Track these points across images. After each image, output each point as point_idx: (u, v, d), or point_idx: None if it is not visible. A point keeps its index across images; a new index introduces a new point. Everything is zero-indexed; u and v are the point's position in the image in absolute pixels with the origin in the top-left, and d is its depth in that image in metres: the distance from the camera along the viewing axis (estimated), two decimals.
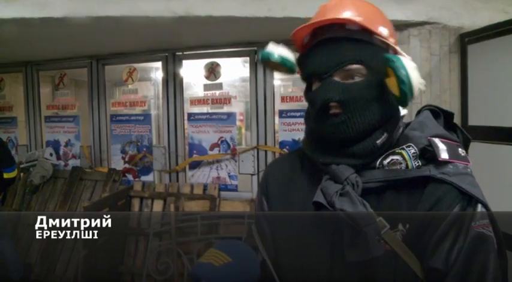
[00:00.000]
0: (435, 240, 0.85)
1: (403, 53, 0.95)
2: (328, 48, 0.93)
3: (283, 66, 1.03)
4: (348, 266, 0.90)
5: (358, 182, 0.90)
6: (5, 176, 3.89)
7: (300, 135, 3.67)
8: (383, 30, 0.94)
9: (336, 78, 0.92)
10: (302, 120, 3.76)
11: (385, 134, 0.93)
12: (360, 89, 0.91)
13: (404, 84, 0.85)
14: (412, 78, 0.85)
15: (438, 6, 2.66)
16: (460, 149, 0.93)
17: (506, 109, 2.30)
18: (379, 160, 0.93)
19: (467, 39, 2.63)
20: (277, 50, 1.03)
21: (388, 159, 0.92)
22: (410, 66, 0.86)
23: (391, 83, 0.88)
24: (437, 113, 1.02)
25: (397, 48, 0.95)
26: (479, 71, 2.56)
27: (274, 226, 1.08)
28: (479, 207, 0.86)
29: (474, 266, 0.83)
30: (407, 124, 1.00)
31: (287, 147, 3.70)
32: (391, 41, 0.94)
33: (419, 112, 1.03)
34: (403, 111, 0.99)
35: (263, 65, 1.08)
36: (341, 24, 0.93)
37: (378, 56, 0.91)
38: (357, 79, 0.92)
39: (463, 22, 2.66)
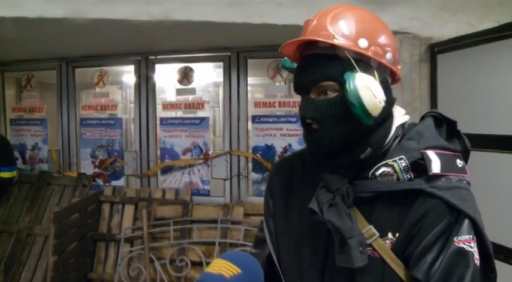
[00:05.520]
0: (419, 251, 0.88)
1: (386, 64, 0.95)
2: (306, 66, 0.96)
3: None
4: (339, 270, 0.93)
5: (349, 192, 0.93)
6: (1, 175, 3.81)
7: (272, 141, 3.71)
8: (362, 42, 0.92)
9: (312, 95, 0.95)
10: (275, 125, 3.80)
11: (369, 149, 0.94)
12: (331, 105, 0.92)
13: (354, 107, 0.87)
14: (364, 99, 0.86)
15: (409, 17, 2.76)
16: (458, 160, 0.95)
17: (473, 116, 2.41)
18: (372, 171, 0.95)
19: (436, 49, 2.74)
20: None
21: (380, 171, 0.94)
22: (362, 86, 0.86)
23: None
24: (440, 120, 1.03)
25: (384, 59, 0.94)
26: (448, 80, 2.67)
27: (276, 224, 1.13)
28: (466, 222, 0.88)
29: (451, 280, 0.85)
30: (415, 125, 1.02)
31: (260, 152, 3.73)
32: (371, 51, 0.92)
33: (422, 118, 1.05)
34: (405, 118, 1.02)
35: (286, 70, 1.14)
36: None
37: (348, 72, 0.91)
38: (330, 95, 0.93)
39: (433, 33, 2.77)
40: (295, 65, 1.04)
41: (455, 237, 0.87)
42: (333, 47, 0.91)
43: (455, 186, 0.92)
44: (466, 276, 0.85)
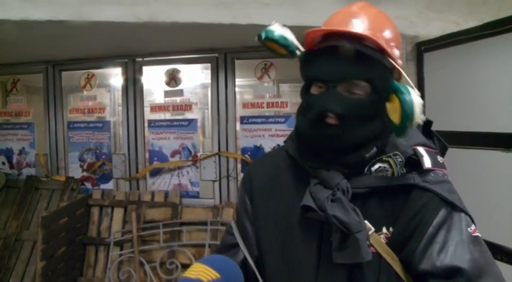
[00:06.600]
0: (424, 244, 0.90)
1: (406, 77, 0.97)
2: (338, 57, 0.92)
3: (282, 47, 1.01)
4: (335, 267, 0.93)
5: (348, 188, 0.93)
6: None
7: (261, 141, 3.70)
8: (396, 52, 0.95)
9: (340, 90, 0.92)
10: (263, 126, 3.76)
11: (374, 149, 0.95)
12: (361, 106, 0.91)
13: (409, 120, 0.87)
14: (416, 115, 0.86)
15: (395, 16, 2.73)
16: (438, 157, 0.98)
17: (459, 114, 2.43)
18: (367, 167, 0.96)
19: (423, 48, 2.76)
20: (279, 30, 1.00)
21: (376, 166, 0.96)
22: (417, 103, 0.87)
23: (392, 109, 0.89)
24: None
25: (402, 71, 0.96)
26: (434, 78, 2.69)
27: (258, 225, 1.09)
28: (464, 215, 0.93)
29: (485, 263, 0.89)
30: None
31: (248, 153, 3.72)
32: (399, 63, 0.94)
33: None
34: None
35: (261, 44, 1.02)
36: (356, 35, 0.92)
37: (386, 78, 0.92)
38: (360, 94, 0.92)
39: (419, 31, 2.79)
40: (279, 37, 0.99)
41: (469, 229, 0.91)
42: (368, 47, 0.91)
43: (441, 180, 0.95)
44: (491, 257, 0.92)
